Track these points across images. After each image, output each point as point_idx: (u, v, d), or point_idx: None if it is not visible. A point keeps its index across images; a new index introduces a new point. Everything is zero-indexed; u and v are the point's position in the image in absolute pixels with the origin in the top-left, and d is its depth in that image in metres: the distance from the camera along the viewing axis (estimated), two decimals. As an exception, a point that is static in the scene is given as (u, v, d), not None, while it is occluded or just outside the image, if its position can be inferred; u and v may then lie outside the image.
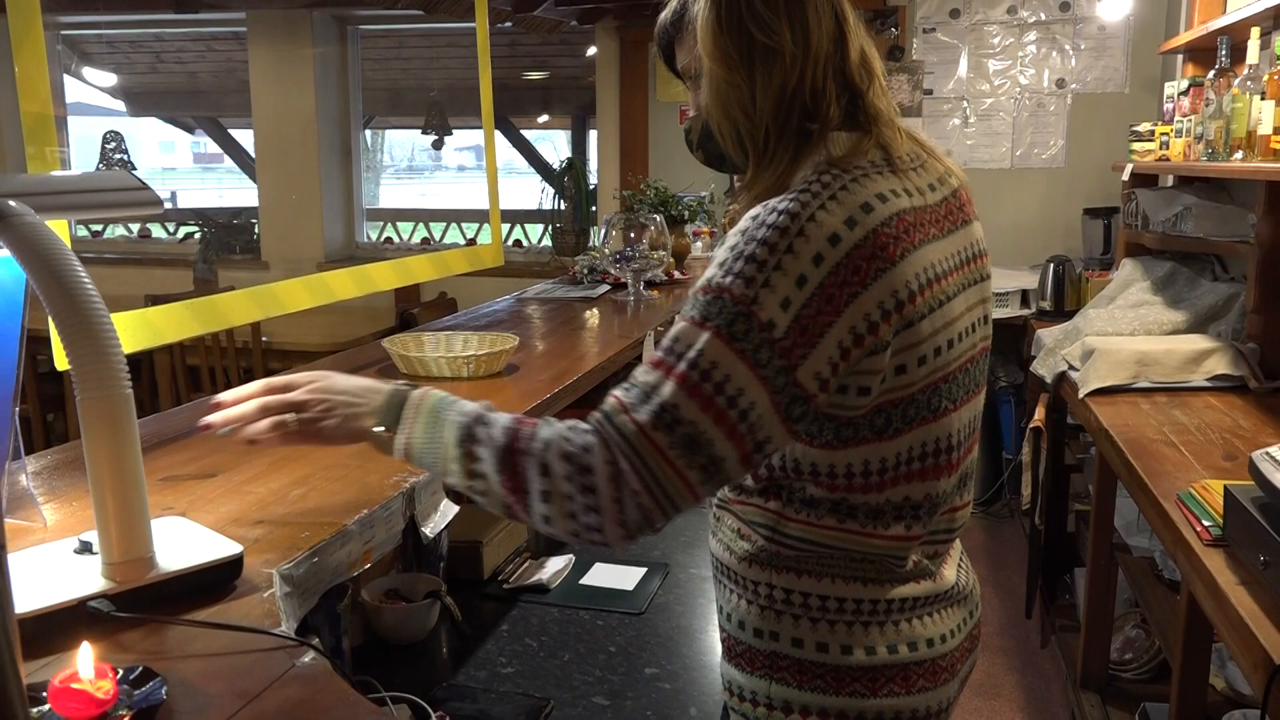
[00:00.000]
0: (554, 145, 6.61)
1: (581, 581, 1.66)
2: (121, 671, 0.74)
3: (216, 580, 0.93)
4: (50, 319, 0.87)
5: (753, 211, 0.91)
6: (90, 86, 6.18)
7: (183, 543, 0.96)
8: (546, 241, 5.44)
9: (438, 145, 5.84)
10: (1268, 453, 1.26)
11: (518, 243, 5.54)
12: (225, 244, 5.62)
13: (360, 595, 1.45)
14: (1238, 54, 2.42)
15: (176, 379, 3.99)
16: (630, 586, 1.63)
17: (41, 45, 1.28)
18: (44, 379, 3.94)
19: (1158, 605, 2.21)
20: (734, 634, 1.03)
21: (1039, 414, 2.82)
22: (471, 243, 5.53)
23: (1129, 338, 2.53)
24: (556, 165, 5.57)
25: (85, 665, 0.71)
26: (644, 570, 1.69)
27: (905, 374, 0.91)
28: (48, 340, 1.14)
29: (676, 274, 2.96)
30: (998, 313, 3.77)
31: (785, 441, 0.90)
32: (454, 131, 5.81)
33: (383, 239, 5.68)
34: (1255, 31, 2.26)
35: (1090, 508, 2.53)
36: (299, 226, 5.33)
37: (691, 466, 0.86)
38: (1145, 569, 2.38)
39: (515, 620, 1.53)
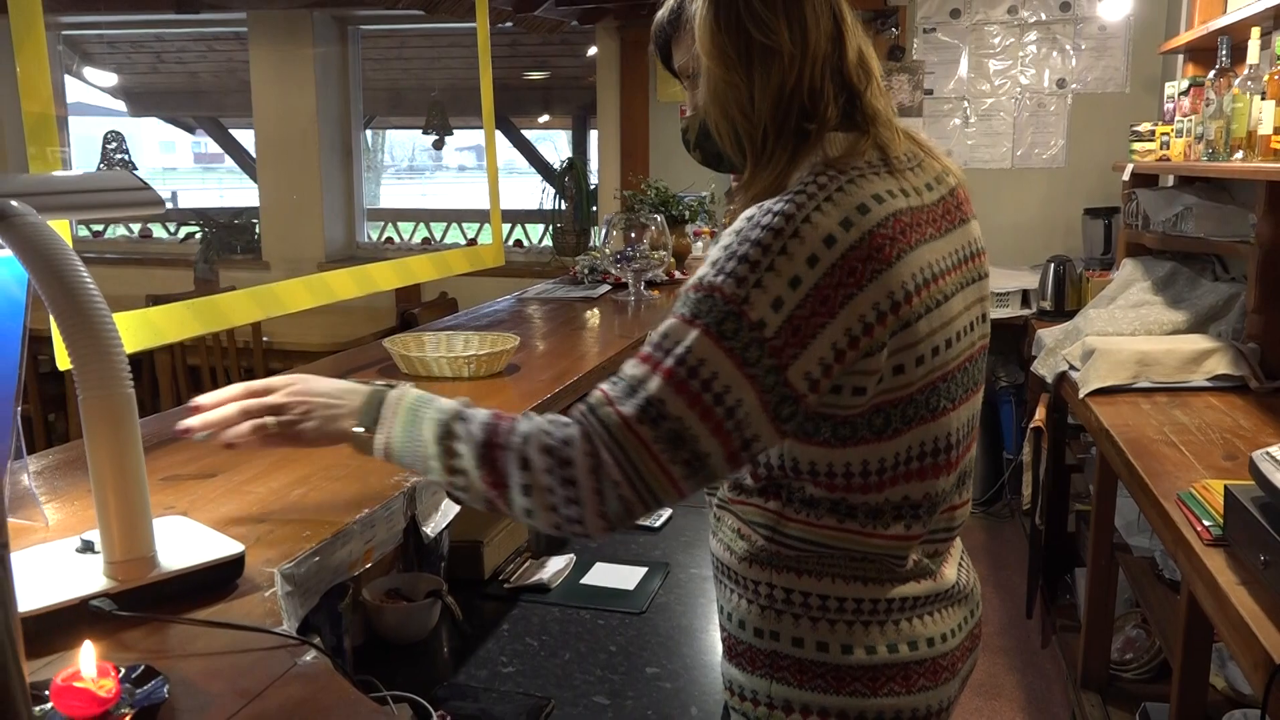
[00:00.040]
0: (555, 145, 6.62)
1: (582, 581, 1.66)
2: (123, 670, 0.75)
3: (218, 579, 0.93)
4: (52, 318, 0.87)
5: (748, 212, 0.91)
6: (91, 86, 6.18)
7: (184, 542, 0.96)
8: (547, 241, 5.44)
9: (438, 145, 5.84)
10: (1268, 453, 1.26)
11: (518, 243, 5.55)
12: (226, 244, 5.62)
13: (361, 595, 1.45)
14: (1238, 54, 2.42)
15: (177, 379, 3.99)
16: (631, 586, 1.64)
17: (43, 45, 1.28)
18: (45, 379, 3.94)
19: (1158, 605, 2.21)
20: (734, 633, 1.03)
21: (1039, 414, 2.82)
22: (472, 243, 5.53)
23: (1129, 338, 2.53)
24: (557, 165, 5.57)
25: (87, 664, 0.71)
26: (645, 570, 1.69)
27: (903, 374, 0.91)
28: (49, 340, 1.14)
29: (677, 274, 2.96)
30: (998, 313, 3.78)
31: (774, 441, 0.90)
32: (455, 131, 5.81)
33: (383, 239, 5.68)
34: (1255, 31, 2.26)
35: (1091, 508, 2.54)
36: (300, 226, 5.33)
37: (675, 461, 0.86)
38: (1146, 569, 2.38)
39: (516, 620, 1.53)
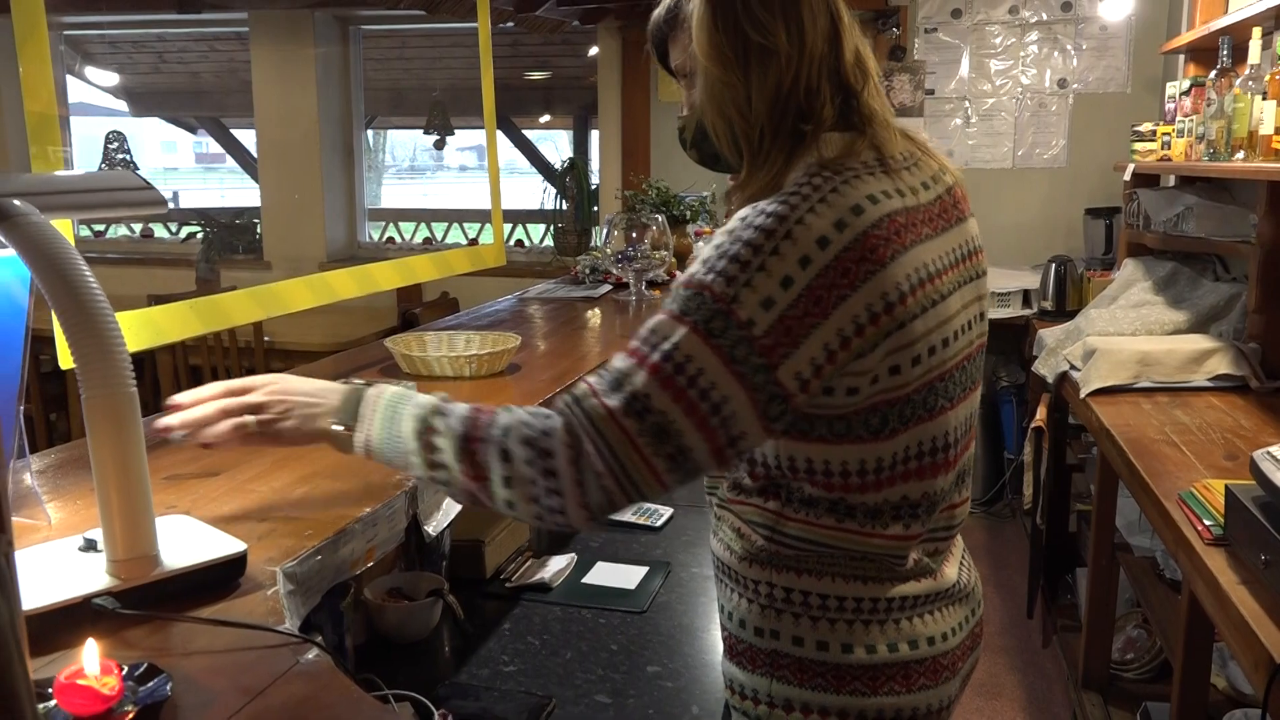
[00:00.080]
0: (556, 145, 6.62)
1: (583, 580, 1.66)
2: (126, 668, 0.75)
3: (220, 578, 0.94)
4: (55, 317, 0.87)
5: (741, 212, 0.91)
6: (93, 86, 6.19)
7: (187, 541, 0.96)
8: (548, 241, 5.44)
9: (439, 145, 5.85)
10: (1269, 452, 1.26)
11: (520, 243, 5.55)
12: (227, 244, 5.62)
13: (363, 594, 1.45)
14: (1239, 54, 2.42)
15: (179, 378, 3.99)
16: (632, 585, 1.64)
17: (45, 45, 1.28)
18: (46, 379, 3.94)
19: (1159, 605, 2.21)
20: (735, 632, 1.03)
21: (1040, 414, 2.82)
22: (474, 242, 5.53)
23: (1130, 338, 2.53)
24: (558, 165, 5.58)
25: (91, 662, 0.71)
26: (646, 569, 1.69)
27: (899, 374, 0.91)
28: (50, 340, 1.14)
29: (678, 274, 2.96)
30: (1000, 313, 3.77)
31: (761, 439, 0.90)
32: (456, 131, 5.82)
33: (384, 239, 5.68)
34: (1257, 31, 2.26)
35: (1092, 507, 2.54)
36: (301, 226, 5.33)
37: (658, 454, 0.86)
38: (1147, 569, 2.38)
39: (517, 619, 1.53)
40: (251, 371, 3.91)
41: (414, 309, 3.97)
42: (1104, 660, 2.48)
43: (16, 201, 0.87)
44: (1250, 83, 2.16)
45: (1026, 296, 3.86)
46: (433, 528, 1.29)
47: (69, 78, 5.83)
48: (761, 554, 1.00)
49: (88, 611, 0.85)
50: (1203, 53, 3.14)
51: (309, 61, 5.21)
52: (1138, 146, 3.12)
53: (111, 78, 6.18)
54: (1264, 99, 2.05)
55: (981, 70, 4.35)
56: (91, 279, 0.87)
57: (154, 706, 0.73)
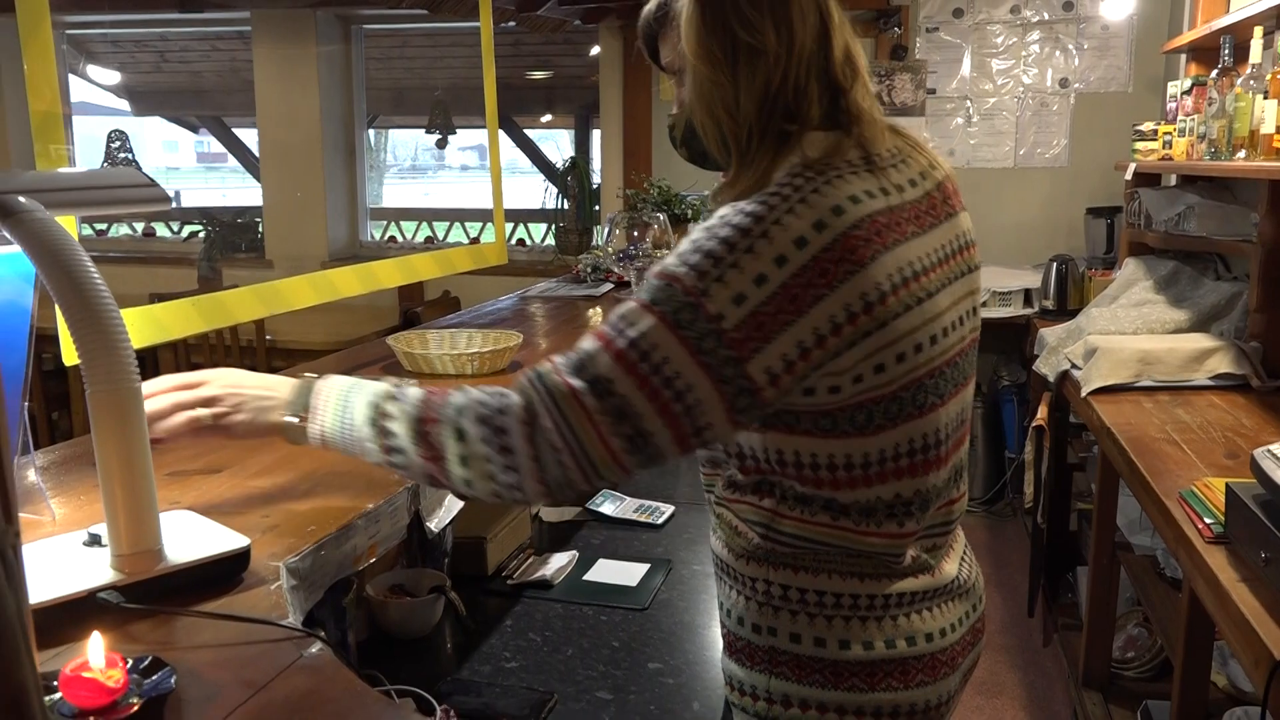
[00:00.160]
0: (557, 144, 6.62)
1: (585, 577, 1.67)
2: (131, 661, 0.75)
3: (224, 573, 0.94)
4: (59, 313, 0.88)
5: (722, 210, 0.91)
6: (95, 85, 6.19)
7: (191, 536, 0.97)
8: (550, 240, 5.44)
9: (441, 144, 5.85)
10: (1269, 450, 1.26)
11: (521, 242, 5.55)
12: (230, 243, 5.63)
13: (365, 590, 1.46)
14: (1240, 53, 2.42)
15: (181, 377, 3.99)
16: (633, 582, 1.64)
17: (49, 44, 1.29)
18: (49, 377, 3.95)
19: (1160, 603, 2.21)
20: (734, 629, 1.04)
21: (1041, 413, 2.82)
22: (475, 241, 5.53)
23: (1131, 336, 2.53)
24: (560, 164, 5.58)
25: (96, 655, 0.72)
26: (647, 566, 1.70)
27: (884, 372, 0.90)
28: (53, 338, 1.14)
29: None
30: (1001, 311, 3.77)
31: (727, 431, 0.91)
32: (458, 131, 5.82)
33: (386, 238, 5.69)
34: (1258, 31, 2.27)
35: (1092, 506, 2.54)
36: (303, 226, 5.34)
37: (616, 434, 0.87)
38: (1147, 567, 2.38)
39: (519, 615, 1.54)
40: (254, 370, 3.92)
41: (416, 308, 3.98)
42: (1105, 659, 2.48)
43: (21, 198, 0.87)
44: (1251, 82, 2.16)
45: (1028, 295, 3.85)
46: (435, 524, 1.30)
47: (71, 76, 5.84)
48: (758, 551, 1.00)
49: (93, 605, 0.85)
50: (1204, 52, 3.15)
51: (311, 61, 5.22)
52: (1139, 146, 3.12)
53: (114, 77, 6.18)
54: (1265, 98, 2.05)
55: (983, 70, 4.35)
56: (96, 275, 0.87)
57: (158, 699, 0.73)
